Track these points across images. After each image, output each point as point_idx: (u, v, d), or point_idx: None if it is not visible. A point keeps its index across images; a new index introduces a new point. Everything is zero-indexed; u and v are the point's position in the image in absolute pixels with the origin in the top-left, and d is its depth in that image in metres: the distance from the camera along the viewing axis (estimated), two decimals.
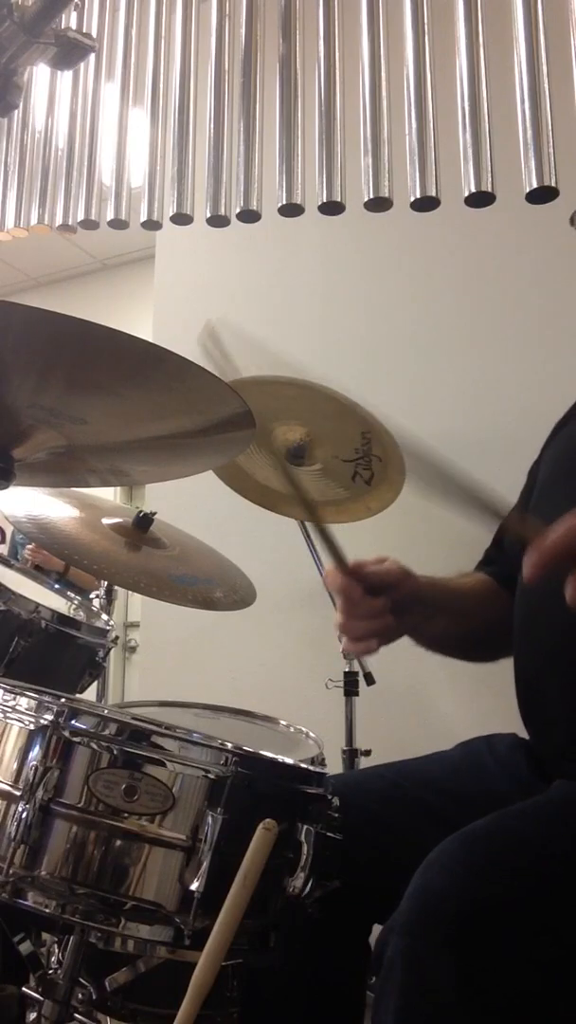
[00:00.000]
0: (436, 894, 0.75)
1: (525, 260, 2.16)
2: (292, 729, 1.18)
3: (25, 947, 1.03)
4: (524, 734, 1.07)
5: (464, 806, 0.91)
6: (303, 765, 0.93)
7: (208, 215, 1.54)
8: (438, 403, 2.24)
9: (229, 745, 0.87)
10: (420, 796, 1.02)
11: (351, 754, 1.86)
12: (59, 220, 1.86)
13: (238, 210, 1.50)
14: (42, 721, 0.88)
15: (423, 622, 1.08)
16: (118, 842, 0.83)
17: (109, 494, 3.32)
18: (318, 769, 0.95)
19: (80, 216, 1.82)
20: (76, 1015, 0.97)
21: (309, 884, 0.85)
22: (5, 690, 0.93)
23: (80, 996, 0.99)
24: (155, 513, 1.68)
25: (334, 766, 1.17)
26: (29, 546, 3.28)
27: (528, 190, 1.11)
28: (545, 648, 1.02)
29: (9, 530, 3.76)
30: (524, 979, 0.73)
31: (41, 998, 0.93)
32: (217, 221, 1.53)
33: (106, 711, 0.91)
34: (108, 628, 1.48)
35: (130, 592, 2.46)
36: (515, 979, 0.72)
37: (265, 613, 1.92)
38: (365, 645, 1.01)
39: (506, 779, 1.03)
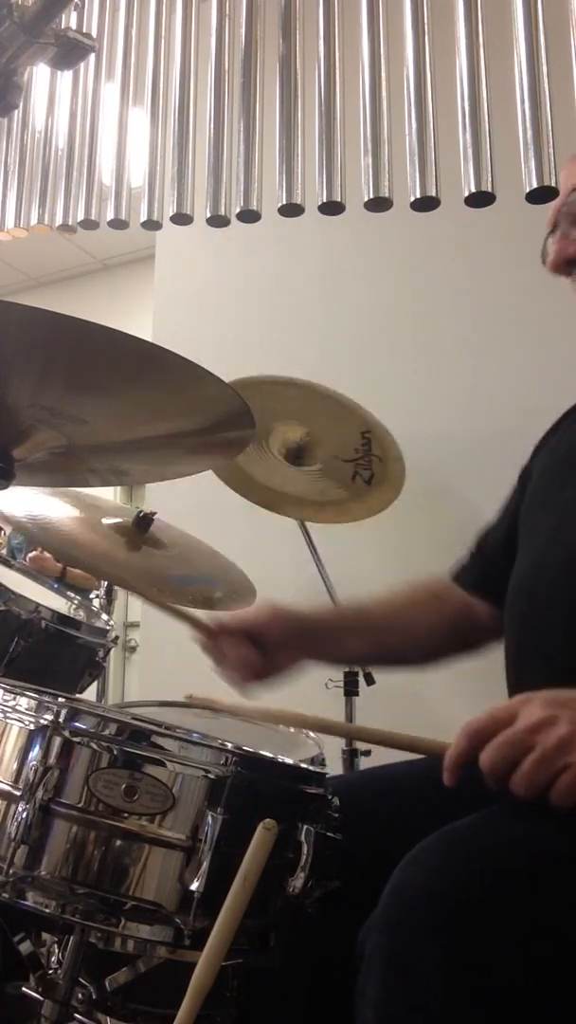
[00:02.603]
0: (415, 889, 0.75)
1: (525, 260, 2.16)
2: (292, 729, 1.18)
3: (25, 947, 1.03)
4: None
5: (465, 805, 0.91)
6: (303, 765, 0.93)
7: (208, 215, 1.54)
8: (438, 403, 2.24)
9: (229, 745, 0.87)
10: (421, 795, 1.02)
11: (351, 754, 1.86)
12: (59, 220, 1.86)
13: (238, 210, 1.50)
14: (42, 721, 0.88)
15: (328, 650, 1.21)
16: (118, 842, 0.83)
17: (109, 494, 3.32)
18: (318, 769, 0.95)
19: (80, 216, 1.82)
20: (76, 1015, 0.97)
21: (309, 884, 0.85)
22: (5, 690, 0.93)
23: (80, 996, 0.99)
24: (155, 513, 1.68)
25: (334, 766, 1.17)
26: (32, 553, 3.28)
27: (528, 190, 1.11)
28: (535, 650, 1.02)
29: (8, 530, 3.76)
30: (510, 973, 0.73)
31: (41, 998, 0.93)
32: (217, 221, 1.53)
33: (106, 711, 0.91)
34: (108, 628, 1.48)
35: (130, 592, 2.47)
36: (501, 973, 0.72)
37: None
38: (246, 684, 1.15)
39: None
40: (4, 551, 3.68)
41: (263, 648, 1.14)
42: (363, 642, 1.22)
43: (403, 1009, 0.73)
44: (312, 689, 1.92)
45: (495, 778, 0.76)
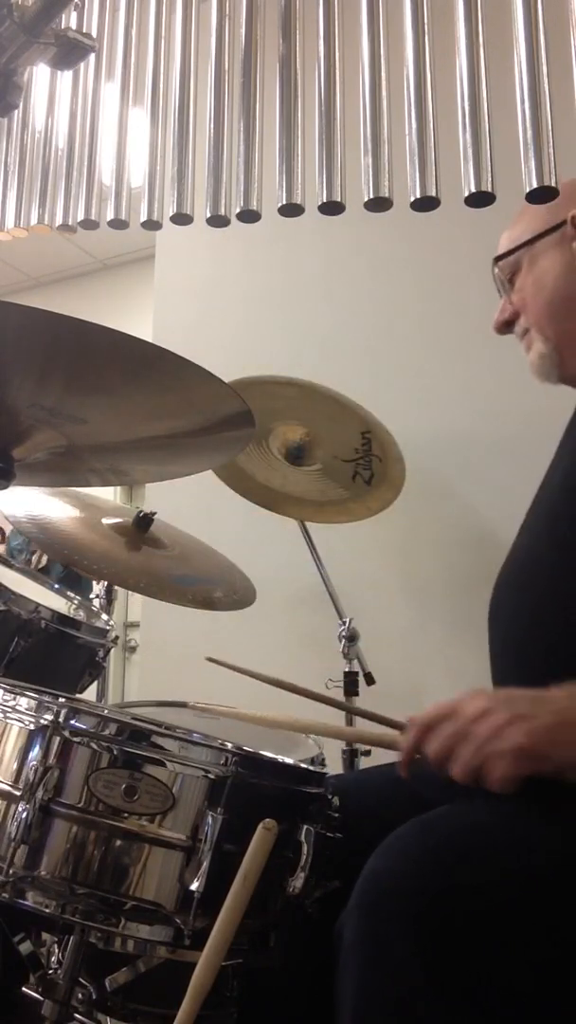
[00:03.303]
0: (389, 874, 0.77)
1: None
2: None
3: (25, 947, 1.03)
4: None
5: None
6: (303, 765, 0.93)
7: (208, 215, 1.54)
8: (438, 403, 2.23)
9: (229, 745, 0.87)
10: (421, 794, 1.02)
11: (351, 754, 1.86)
12: (59, 220, 1.85)
13: (238, 210, 1.49)
14: (42, 721, 0.88)
15: None
16: (118, 842, 0.83)
17: (109, 494, 3.32)
18: (318, 769, 0.95)
19: (80, 216, 1.81)
20: (76, 1015, 0.97)
21: (309, 884, 0.85)
22: (5, 690, 0.93)
23: (80, 996, 0.99)
24: (155, 513, 1.69)
25: (334, 766, 1.17)
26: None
27: (528, 190, 1.11)
28: (513, 647, 1.03)
29: (9, 529, 3.76)
30: (486, 954, 0.74)
31: (41, 998, 0.93)
32: (217, 221, 1.53)
33: (106, 711, 0.91)
34: (108, 628, 1.48)
35: (130, 592, 2.47)
36: (473, 953, 0.74)
37: (265, 613, 1.92)
38: None
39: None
40: (2, 551, 3.68)
41: None
42: None
43: (379, 990, 0.75)
44: (312, 688, 1.92)
45: (439, 766, 0.81)
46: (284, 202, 1.37)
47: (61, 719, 0.87)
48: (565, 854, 0.79)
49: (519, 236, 1.18)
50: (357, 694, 1.89)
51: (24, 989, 0.96)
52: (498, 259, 1.19)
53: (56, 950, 1.00)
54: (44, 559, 3.46)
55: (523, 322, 1.18)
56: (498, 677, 1.05)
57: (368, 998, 0.75)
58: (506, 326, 1.21)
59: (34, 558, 3.51)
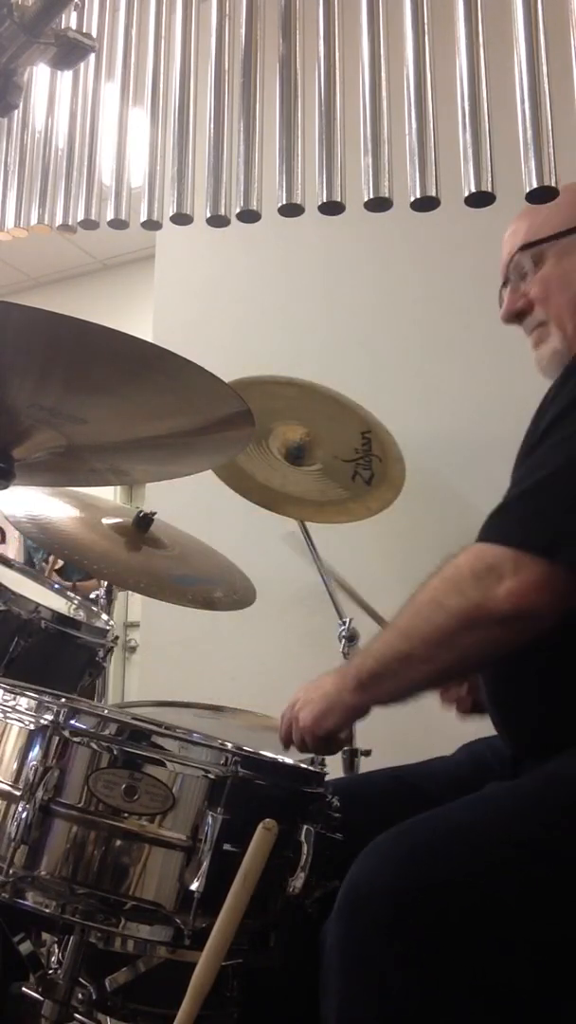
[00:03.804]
0: (368, 882, 0.78)
1: None
2: None
3: (25, 947, 1.03)
4: None
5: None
6: (303, 765, 0.93)
7: (208, 215, 1.54)
8: (438, 403, 2.23)
9: (229, 745, 0.87)
10: (422, 796, 1.03)
11: (351, 754, 1.86)
12: (59, 220, 1.85)
13: (238, 210, 1.49)
14: (42, 721, 0.87)
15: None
16: (118, 842, 0.83)
17: (109, 494, 3.32)
18: (318, 769, 0.95)
19: (80, 216, 1.81)
20: (76, 1015, 0.97)
21: (309, 884, 0.85)
22: (5, 690, 0.93)
23: (80, 996, 0.99)
24: (155, 513, 1.68)
25: (334, 767, 1.17)
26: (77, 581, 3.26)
27: (528, 190, 1.11)
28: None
29: (10, 530, 3.76)
30: (463, 954, 0.75)
31: (41, 998, 0.93)
32: (217, 221, 1.53)
33: (106, 711, 0.91)
34: (108, 628, 1.48)
35: (130, 592, 2.47)
36: (454, 954, 0.75)
37: (265, 613, 1.92)
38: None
39: (508, 780, 1.04)
40: (21, 553, 3.68)
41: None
42: None
43: (363, 997, 0.75)
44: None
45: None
46: (284, 202, 1.37)
47: (61, 719, 0.87)
48: (542, 851, 0.79)
49: (542, 227, 1.15)
50: None
51: (24, 989, 0.96)
52: (524, 247, 1.16)
53: (56, 950, 1.00)
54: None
55: (539, 314, 1.15)
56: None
57: (350, 1002, 0.76)
58: (516, 317, 1.18)
59: (51, 557, 3.50)
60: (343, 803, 0.94)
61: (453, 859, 0.79)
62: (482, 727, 1.16)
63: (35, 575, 1.62)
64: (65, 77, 1.83)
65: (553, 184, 1.10)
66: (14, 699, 0.92)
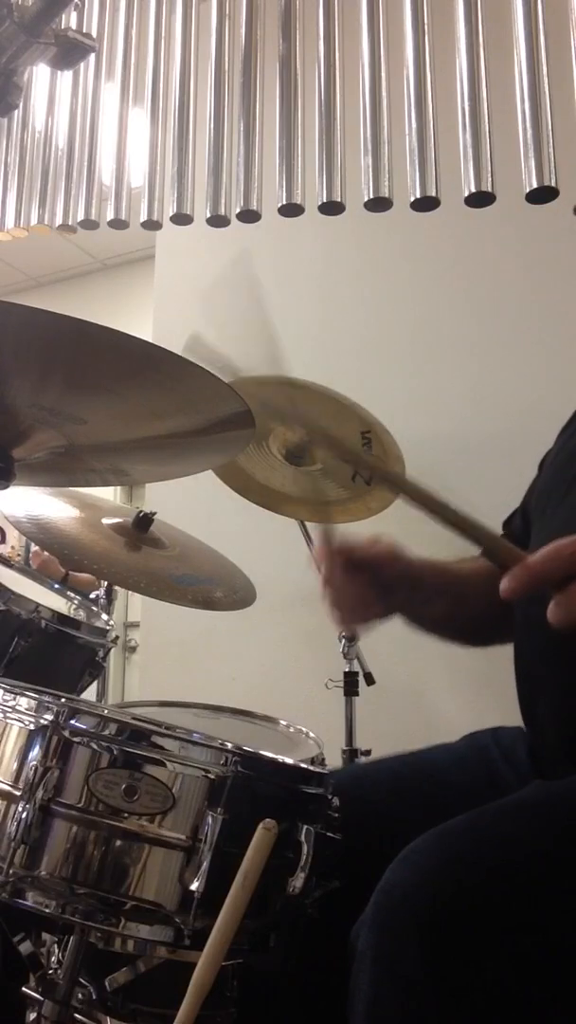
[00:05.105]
0: (403, 888, 0.76)
1: (525, 260, 2.16)
2: (292, 729, 1.18)
3: (25, 947, 1.03)
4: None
5: (470, 800, 0.91)
6: (303, 765, 0.93)
7: (208, 215, 1.54)
8: (438, 403, 2.24)
9: (229, 745, 0.87)
10: (424, 790, 1.02)
11: (351, 754, 1.86)
12: (59, 220, 1.86)
13: (238, 210, 1.50)
14: (42, 721, 0.87)
15: (419, 605, 1.09)
16: (118, 842, 0.83)
17: (109, 494, 3.32)
18: (318, 769, 0.95)
19: (80, 216, 1.82)
20: (76, 1015, 0.97)
21: (309, 884, 0.85)
22: (5, 690, 0.93)
23: (80, 996, 0.99)
24: (155, 513, 1.68)
25: (334, 766, 1.17)
26: (34, 548, 3.26)
27: (528, 190, 1.11)
28: (543, 646, 1.02)
29: (10, 530, 3.75)
30: (496, 973, 0.73)
31: (41, 998, 0.93)
32: (217, 221, 1.53)
33: (106, 711, 0.91)
34: (108, 628, 1.48)
35: (130, 592, 2.47)
36: (487, 972, 0.73)
37: (265, 613, 1.92)
38: (349, 618, 1.04)
39: (512, 773, 1.04)
40: (21, 550, 3.67)
41: (376, 588, 1.03)
42: (445, 605, 1.11)
43: (391, 1006, 0.74)
44: (312, 689, 1.93)
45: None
46: (284, 202, 1.37)
47: (61, 719, 0.87)
48: None
49: None
50: (357, 694, 1.89)
51: (24, 989, 0.96)
52: None
53: (56, 950, 1.00)
54: None
55: None
56: (531, 674, 1.03)
57: (378, 1013, 0.74)
58: None
59: (35, 548, 3.50)
60: (344, 795, 0.94)
61: (491, 871, 0.78)
62: (484, 725, 1.16)
63: (36, 575, 1.62)
64: (65, 77, 1.83)
65: (553, 184, 1.10)
66: (14, 699, 0.92)
